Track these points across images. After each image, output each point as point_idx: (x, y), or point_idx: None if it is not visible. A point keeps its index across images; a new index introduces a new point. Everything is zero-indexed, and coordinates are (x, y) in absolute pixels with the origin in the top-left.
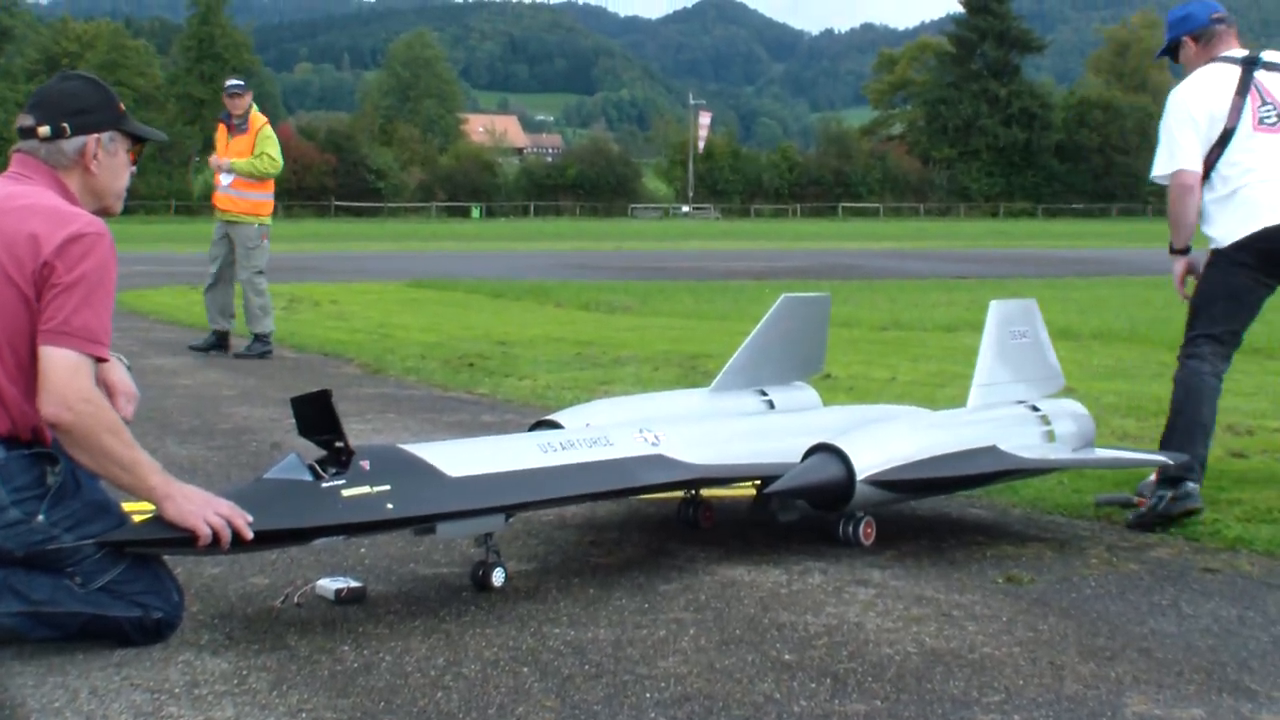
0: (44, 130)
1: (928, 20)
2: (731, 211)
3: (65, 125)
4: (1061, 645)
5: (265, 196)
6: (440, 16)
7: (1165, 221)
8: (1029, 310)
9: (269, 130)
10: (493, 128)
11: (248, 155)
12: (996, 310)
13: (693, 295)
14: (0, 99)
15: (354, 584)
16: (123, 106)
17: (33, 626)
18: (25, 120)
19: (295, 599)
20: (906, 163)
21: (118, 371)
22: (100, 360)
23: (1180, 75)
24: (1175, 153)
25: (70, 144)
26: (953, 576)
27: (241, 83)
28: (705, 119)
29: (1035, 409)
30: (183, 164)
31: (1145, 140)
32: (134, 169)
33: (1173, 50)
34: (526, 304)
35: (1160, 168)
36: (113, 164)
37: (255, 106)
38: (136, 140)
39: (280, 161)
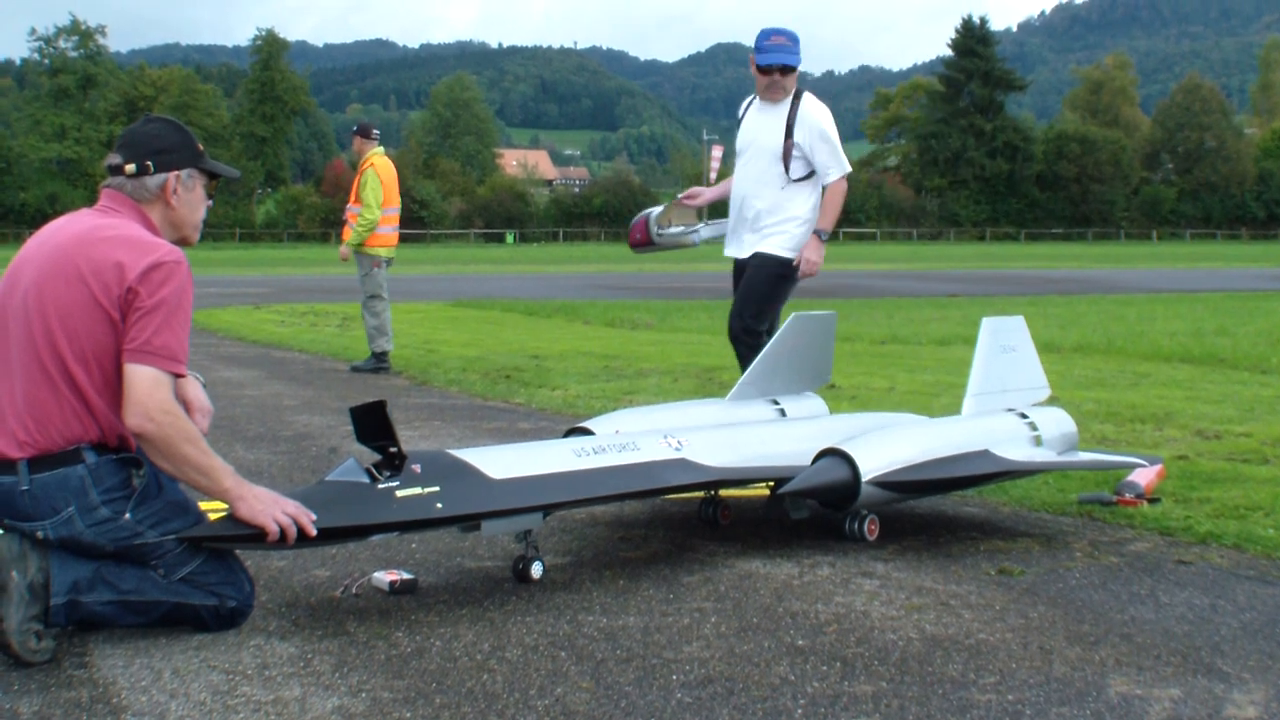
0: (130, 168)
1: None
2: None
3: (149, 163)
4: (1050, 631)
5: (354, 227)
6: (478, 61)
7: (1138, 244)
8: (1017, 326)
9: (369, 173)
10: (525, 161)
11: (354, 194)
12: (988, 326)
13: (708, 313)
14: (85, 138)
15: (406, 576)
16: (200, 146)
17: (122, 613)
18: (114, 159)
19: (353, 589)
20: (901, 192)
21: (194, 388)
22: (178, 377)
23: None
24: (844, 156)
25: (153, 180)
26: (950, 569)
27: (355, 127)
28: (717, 152)
29: (1024, 416)
30: (246, 196)
31: (1118, 171)
32: (210, 202)
33: (791, 69)
34: (557, 321)
35: (845, 164)
36: (191, 198)
37: (380, 147)
38: (212, 176)
39: (373, 207)
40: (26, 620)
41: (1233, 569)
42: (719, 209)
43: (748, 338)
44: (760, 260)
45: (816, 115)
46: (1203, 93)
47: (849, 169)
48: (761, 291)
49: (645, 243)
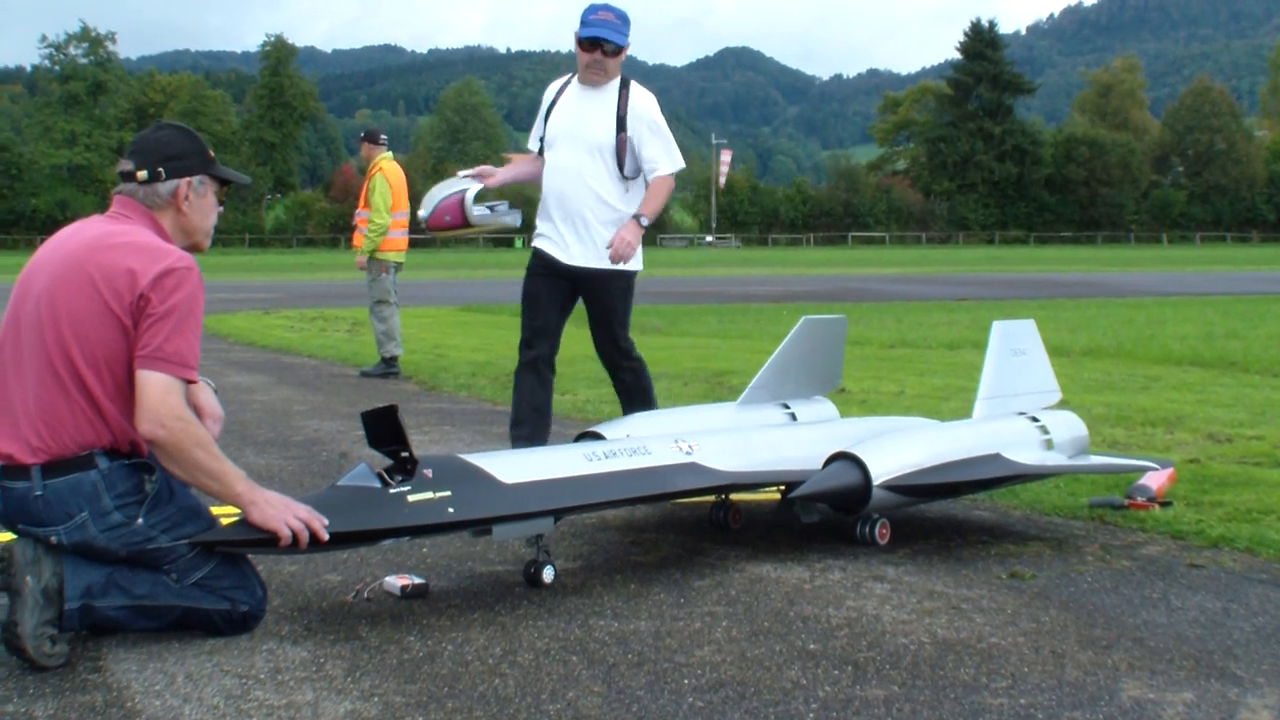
0: (142, 175)
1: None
2: (751, 240)
3: (160, 170)
4: (1062, 635)
5: (364, 233)
6: (486, 66)
7: (1148, 248)
8: (1028, 329)
9: (379, 179)
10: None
11: (363, 199)
12: (999, 330)
13: (717, 317)
14: (96, 145)
15: (417, 580)
16: (211, 153)
17: (135, 618)
18: (125, 165)
19: (365, 594)
20: (910, 195)
21: (205, 394)
22: (190, 383)
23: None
24: (677, 150)
25: (165, 187)
26: (961, 573)
27: (363, 132)
28: (726, 157)
29: (1034, 420)
30: (255, 201)
31: (1127, 174)
32: (221, 208)
33: (618, 49)
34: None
35: (679, 159)
36: (202, 205)
37: (388, 152)
38: (223, 183)
39: (383, 212)
40: (41, 625)
41: (1245, 572)
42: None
43: (629, 362)
44: (610, 277)
45: (647, 106)
46: (1212, 95)
47: (682, 164)
48: (624, 310)
49: (458, 224)
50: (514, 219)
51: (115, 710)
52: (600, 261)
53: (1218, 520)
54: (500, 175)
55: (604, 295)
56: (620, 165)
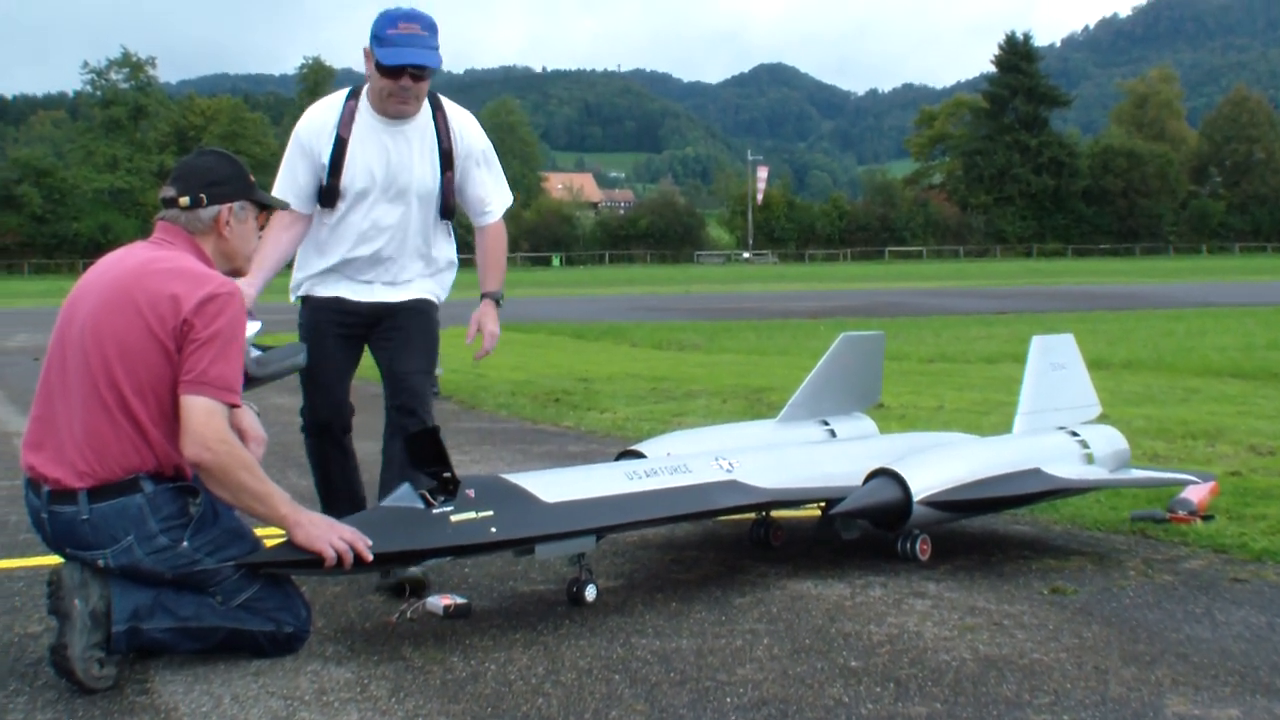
0: (184, 200)
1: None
2: (788, 256)
3: (202, 196)
4: (1105, 651)
5: None
6: (522, 85)
7: (1187, 258)
8: (1067, 344)
9: None
10: (570, 184)
11: None
12: (1038, 344)
13: (755, 333)
14: (137, 168)
15: (460, 600)
16: (252, 178)
17: (181, 640)
18: (168, 191)
19: (409, 614)
20: (946, 209)
21: (248, 418)
22: (233, 406)
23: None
24: (505, 181)
25: (206, 212)
26: (1002, 588)
27: None
28: (763, 173)
29: (1074, 434)
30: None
31: (1165, 185)
32: (261, 233)
33: (428, 71)
34: (605, 344)
35: (508, 193)
36: (243, 230)
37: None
38: (263, 208)
39: None
40: (89, 647)
41: None
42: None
43: (424, 408)
44: (418, 307)
45: (474, 132)
46: (1250, 104)
47: (510, 199)
48: (433, 344)
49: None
50: (297, 360)
51: None
52: (401, 295)
53: (1261, 534)
54: (257, 281)
55: (418, 326)
56: (445, 209)
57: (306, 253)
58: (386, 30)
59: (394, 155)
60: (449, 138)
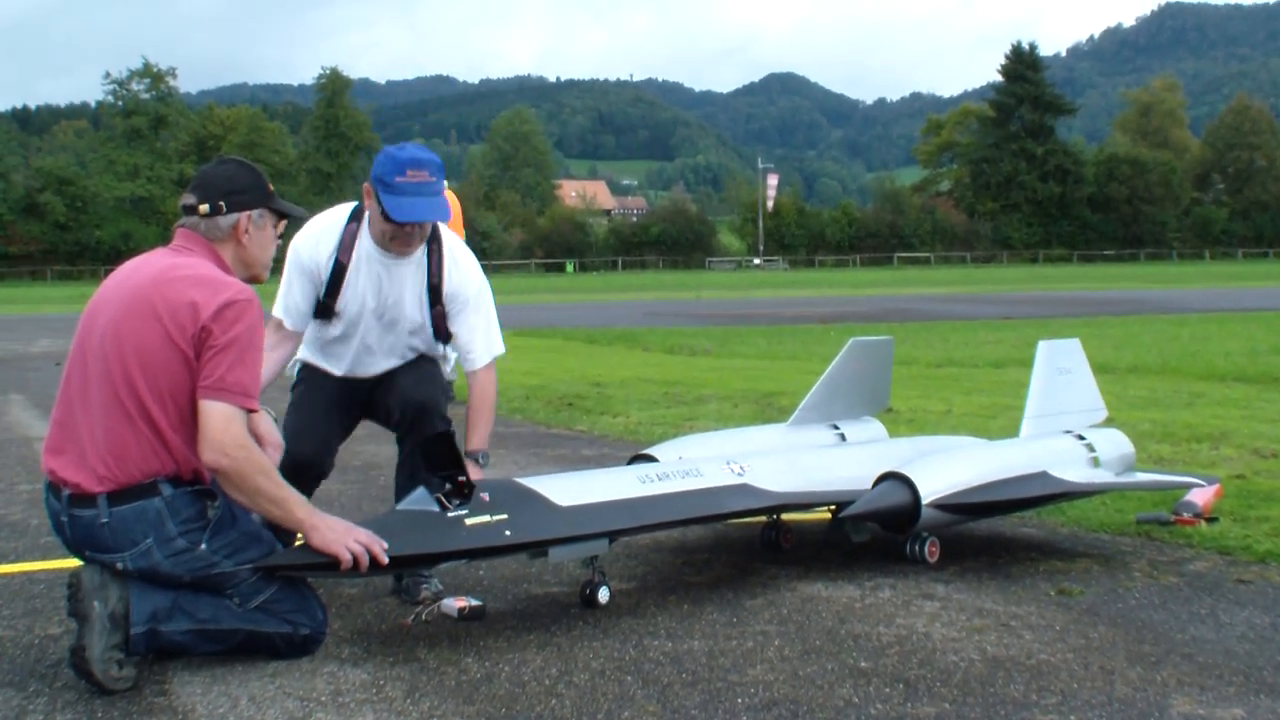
0: (204, 208)
1: (970, 88)
2: (798, 262)
3: (222, 203)
4: (1111, 651)
5: None
6: (536, 95)
7: (1191, 264)
8: (1073, 348)
9: None
10: (584, 192)
11: None
12: (1045, 349)
13: (766, 338)
14: (157, 177)
15: (475, 602)
16: (271, 187)
17: (199, 641)
18: (188, 199)
19: (424, 616)
20: (954, 216)
21: (265, 423)
22: (251, 411)
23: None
24: (499, 330)
25: (225, 220)
26: (1010, 590)
27: None
28: (773, 180)
29: (1081, 437)
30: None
31: (1169, 192)
32: (279, 241)
33: None
34: (617, 349)
35: (499, 343)
36: (261, 238)
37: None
38: (282, 216)
39: None
40: (108, 649)
41: None
42: None
43: (439, 413)
44: (423, 358)
45: (465, 274)
46: (1252, 113)
47: (502, 349)
48: (439, 376)
49: None
50: None
51: None
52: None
53: (1264, 535)
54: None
55: (422, 369)
56: (439, 336)
57: (310, 347)
58: (395, 178)
59: (386, 287)
60: (440, 274)
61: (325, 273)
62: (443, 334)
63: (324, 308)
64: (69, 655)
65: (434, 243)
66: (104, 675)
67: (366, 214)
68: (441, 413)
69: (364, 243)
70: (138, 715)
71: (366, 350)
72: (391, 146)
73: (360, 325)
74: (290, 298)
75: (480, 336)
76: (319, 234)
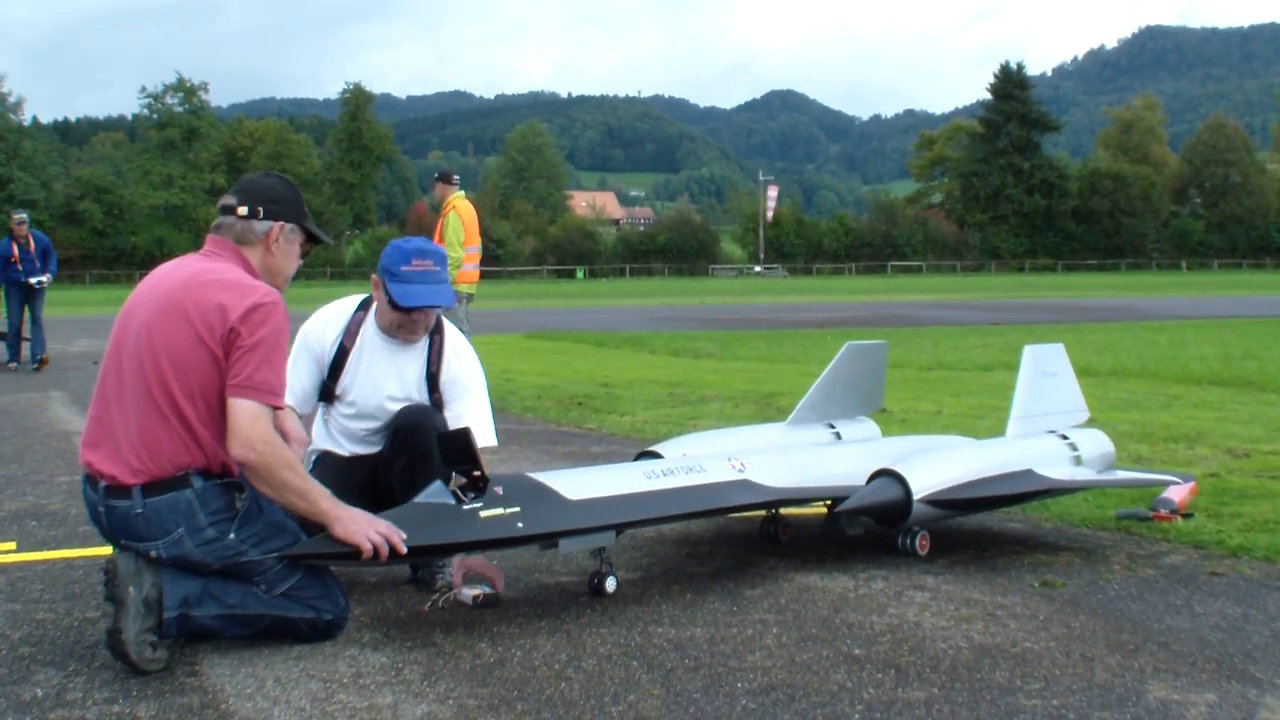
0: (243, 210)
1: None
2: (797, 270)
3: (260, 209)
4: (1091, 640)
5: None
6: (549, 110)
7: (1169, 274)
8: (1057, 353)
9: (452, 215)
10: (593, 202)
11: (437, 235)
12: (1030, 353)
13: (766, 342)
14: (190, 186)
15: (488, 590)
16: (306, 209)
17: (227, 626)
18: (229, 200)
19: (440, 604)
20: (945, 227)
21: (291, 420)
22: (277, 409)
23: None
24: (493, 423)
25: (260, 225)
26: (996, 581)
27: (437, 173)
28: (773, 192)
29: (1064, 437)
30: (336, 238)
31: (1148, 205)
32: (301, 261)
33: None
34: (625, 351)
35: (491, 437)
36: (289, 250)
37: (460, 190)
38: (310, 237)
39: (456, 247)
40: (142, 632)
41: (1263, 580)
42: None
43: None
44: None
45: (464, 363)
46: (1227, 131)
47: (495, 442)
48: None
49: None
50: None
51: (210, 711)
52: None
53: (1237, 531)
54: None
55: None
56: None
57: (319, 437)
58: (400, 267)
59: (387, 375)
60: (438, 362)
61: (329, 357)
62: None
63: (326, 390)
64: (106, 637)
65: (436, 333)
66: (139, 656)
67: (374, 304)
68: (435, 425)
69: (369, 331)
70: (170, 694)
71: (369, 436)
72: (397, 239)
73: (363, 411)
74: (297, 379)
75: (475, 424)
76: (327, 320)
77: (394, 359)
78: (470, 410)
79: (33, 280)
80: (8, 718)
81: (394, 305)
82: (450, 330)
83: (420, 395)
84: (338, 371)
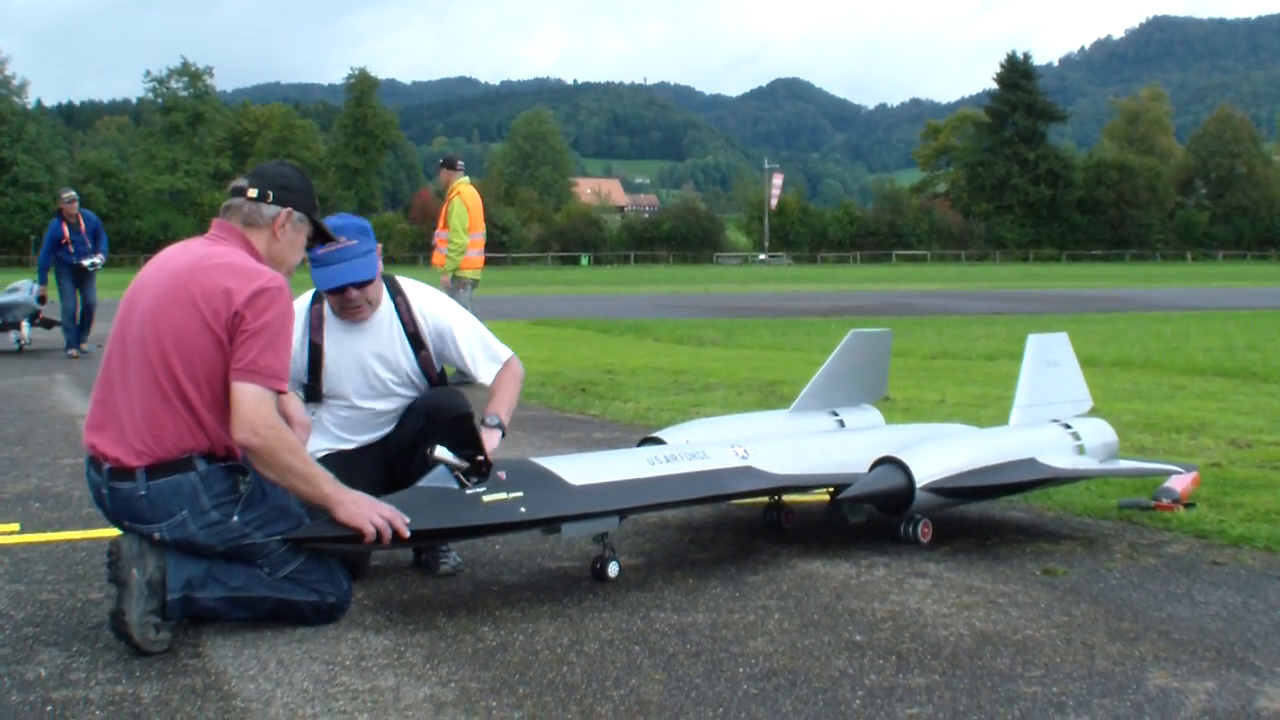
0: (252, 193)
1: (967, 95)
2: (801, 258)
3: (270, 193)
4: (1092, 628)
5: (443, 252)
6: (554, 97)
7: (1173, 265)
8: (1061, 342)
9: (456, 201)
10: (598, 190)
11: (441, 220)
12: (1034, 342)
13: (770, 330)
14: (194, 171)
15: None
16: (318, 203)
17: (231, 608)
18: (240, 182)
19: (439, 570)
20: (950, 216)
21: (295, 404)
22: (280, 393)
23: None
24: (495, 340)
25: (269, 209)
26: (998, 569)
27: (441, 159)
28: (778, 180)
29: (1067, 426)
30: None
31: (1154, 196)
32: (305, 255)
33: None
34: (629, 338)
35: (500, 349)
36: (294, 239)
37: (465, 177)
38: (317, 232)
39: (460, 232)
40: (146, 613)
41: (1264, 569)
42: None
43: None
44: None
45: (439, 308)
46: (1233, 122)
47: (508, 353)
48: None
49: None
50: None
51: (213, 692)
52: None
53: (1238, 521)
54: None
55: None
56: (433, 382)
57: (319, 440)
58: (318, 250)
59: (366, 356)
60: (414, 321)
61: (302, 358)
62: (434, 379)
63: (312, 391)
64: (109, 619)
65: (398, 296)
66: (142, 638)
67: None
68: (462, 405)
69: (331, 320)
70: (173, 676)
71: (368, 425)
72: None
73: (352, 401)
74: (296, 377)
75: (480, 355)
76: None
77: (367, 337)
78: (471, 343)
79: (85, 262)
80: (12, 697)
81: (318, 290)
82: (409, 285)
83: (408, 360)
84: (317, 370)
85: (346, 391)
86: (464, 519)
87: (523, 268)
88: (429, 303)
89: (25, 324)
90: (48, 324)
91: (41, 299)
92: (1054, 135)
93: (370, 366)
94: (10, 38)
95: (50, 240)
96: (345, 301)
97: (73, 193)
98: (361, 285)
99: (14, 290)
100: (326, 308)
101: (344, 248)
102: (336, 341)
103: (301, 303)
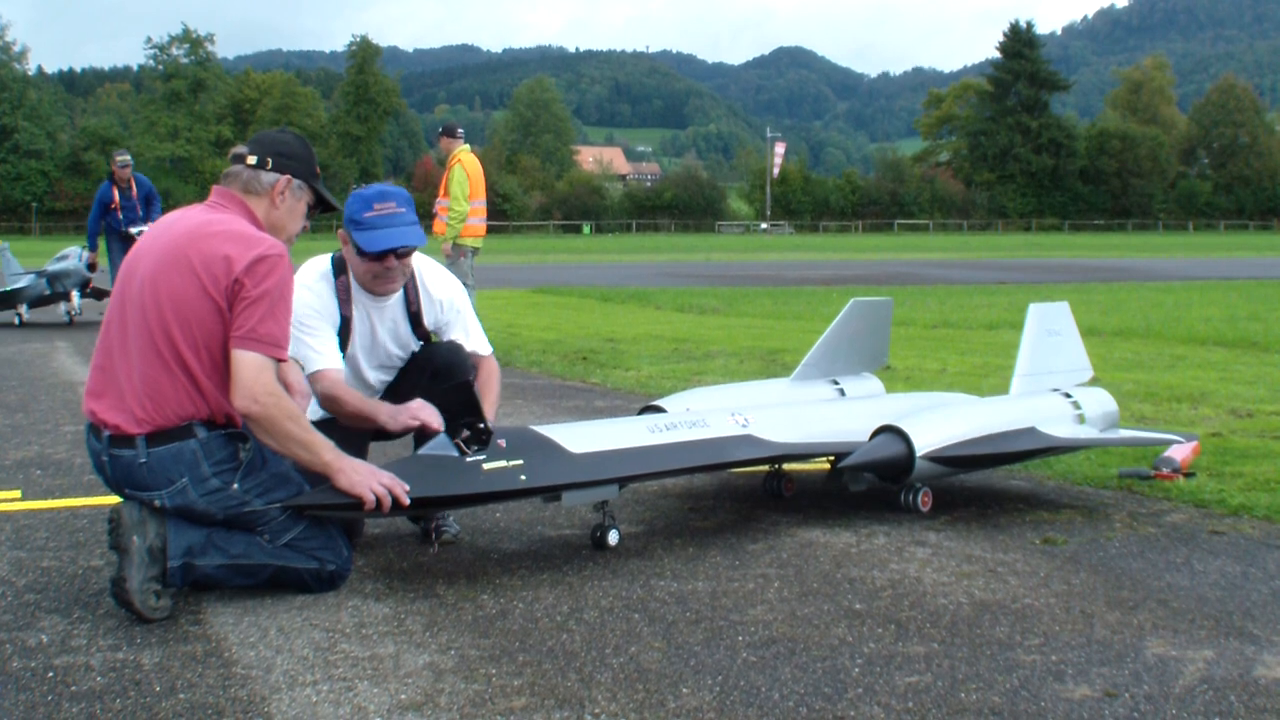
0: (252, 159)
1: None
2: (803, 227)
3: (269, 160)
4: (1091, 597)
5: (444, 220)
6: (557, 64)
7: (1175, 235)
8: (1062, 311)
9: (457, 169)
10: (600, 158)
11: (442, 189)
12: (1035, 312)
13: (771, 299)
14: (196, 138)
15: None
16: (319, 171)
17: (231, 576)
18: (240, 149)
19: (434, 548)
20: (952, 186)
21: (295, 373)
22: (281, 361)
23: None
24: (484, 334)
25: (268, 176)
26: (997, 538)
27: (441, 127)
28: (780, 149)
29: (1068, 396)
30: (342, 191)
31: (1156, 166)
32: (307, 223)
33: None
34: (630, 307)
35: (487, 343)
36: (294, 207)
37: (466, 145)
38: (319, 199)
39: (461, 200)
40: (146, 580)
41: (1263, 539)
42: None
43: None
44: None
45: (442, 286)
46: (1236, 92)
47: (489, 350)
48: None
49: None
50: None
51: (214, 659)
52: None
53: (1238, 490)
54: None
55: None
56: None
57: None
58: (363, 214)
59: (379, 331)
60: (417, 300)
61: (339, 323)
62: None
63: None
64: (110, 586)
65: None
66: (143, 605)
67: (349, 264)
68: (469, 366)
69: (358, 293)
70: (174, 643)
71: (365, 385)
72: (358, 189)
73: (358, 365)
74: (325, 343)
75: (474, 339)
76: (315, 289)
77: (379, 314)
78: (464, 334)
79: (133, 230)
80: (13, 663)
81: (361, 253)
82: (420, 260)
83: (410, 336)
84: (345, 342)
85: (360, 365)
86: (464, 486)
87: (524, 236)
88: (436, 283)
89: (75, 294)
90: (98, 294)
91: (91, 266)
92: (1057, 105)
93: (383, 341)
94: (11, 3)
95: (99, 203)
96: (384, 270)
97: (127, 156)
98: (405, 254)
99: (63, 258)
100: (352, 279)
101: (394, 213)
102: (361, 315)
103: (323, 271)
